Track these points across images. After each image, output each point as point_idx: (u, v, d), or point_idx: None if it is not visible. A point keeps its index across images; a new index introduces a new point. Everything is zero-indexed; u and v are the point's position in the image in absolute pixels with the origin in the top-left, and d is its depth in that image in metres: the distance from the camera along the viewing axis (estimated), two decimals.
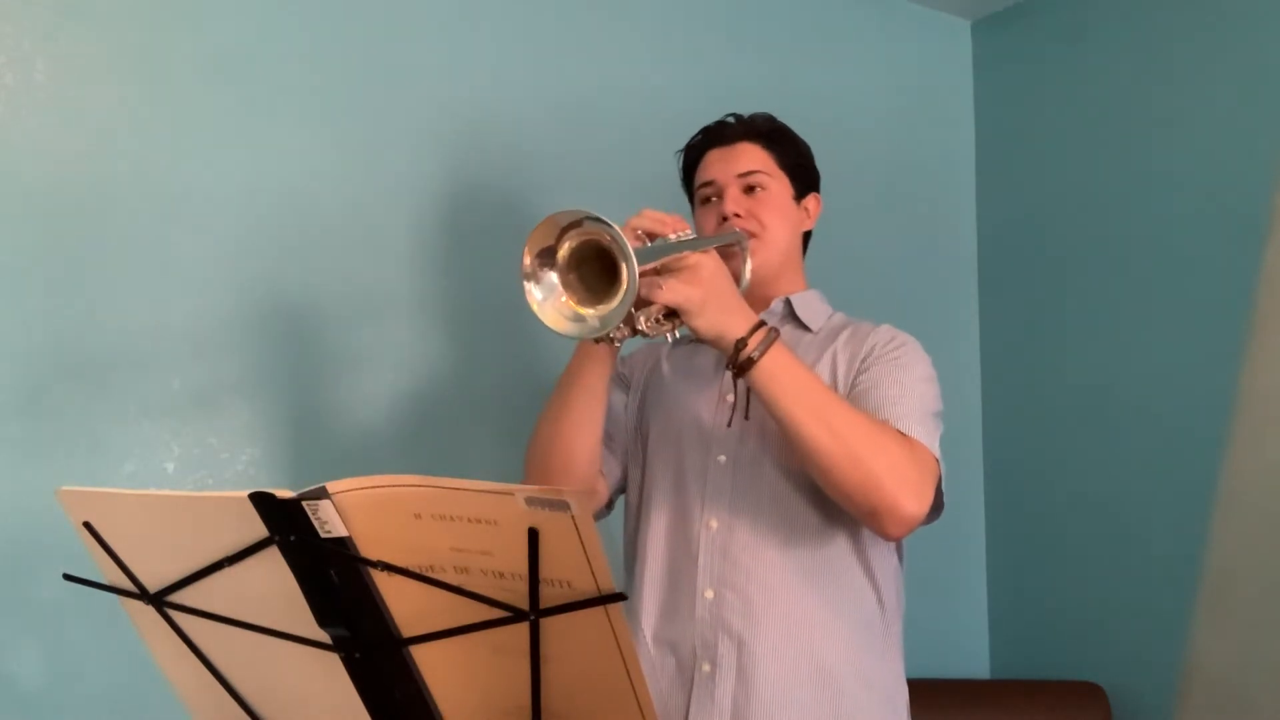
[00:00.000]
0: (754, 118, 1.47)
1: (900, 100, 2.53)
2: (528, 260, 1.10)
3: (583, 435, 1.31)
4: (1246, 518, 0.49)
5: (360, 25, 1.82)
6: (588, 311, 1.10)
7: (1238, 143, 2.08)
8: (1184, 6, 2.21)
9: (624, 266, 1.05)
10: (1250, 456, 0.49)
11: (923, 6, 2.58)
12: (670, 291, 1.14)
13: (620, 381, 1.50)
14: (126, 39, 1.62)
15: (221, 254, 1.67)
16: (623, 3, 2.12)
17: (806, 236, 1.51)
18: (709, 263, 1.19)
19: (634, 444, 1.46)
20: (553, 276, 1.11)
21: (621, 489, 1.47)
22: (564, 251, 1.10)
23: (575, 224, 1.08)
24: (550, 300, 1.11)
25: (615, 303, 1.07)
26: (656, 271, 1.17)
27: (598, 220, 1.06)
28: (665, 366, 1.49)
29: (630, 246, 1.04)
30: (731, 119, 1.47)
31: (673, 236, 1.21)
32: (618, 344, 1.24)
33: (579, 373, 1.30)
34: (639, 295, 1.15)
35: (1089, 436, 2.34)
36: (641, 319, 1.17)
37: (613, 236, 1.05)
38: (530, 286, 1.10)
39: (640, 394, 1.48)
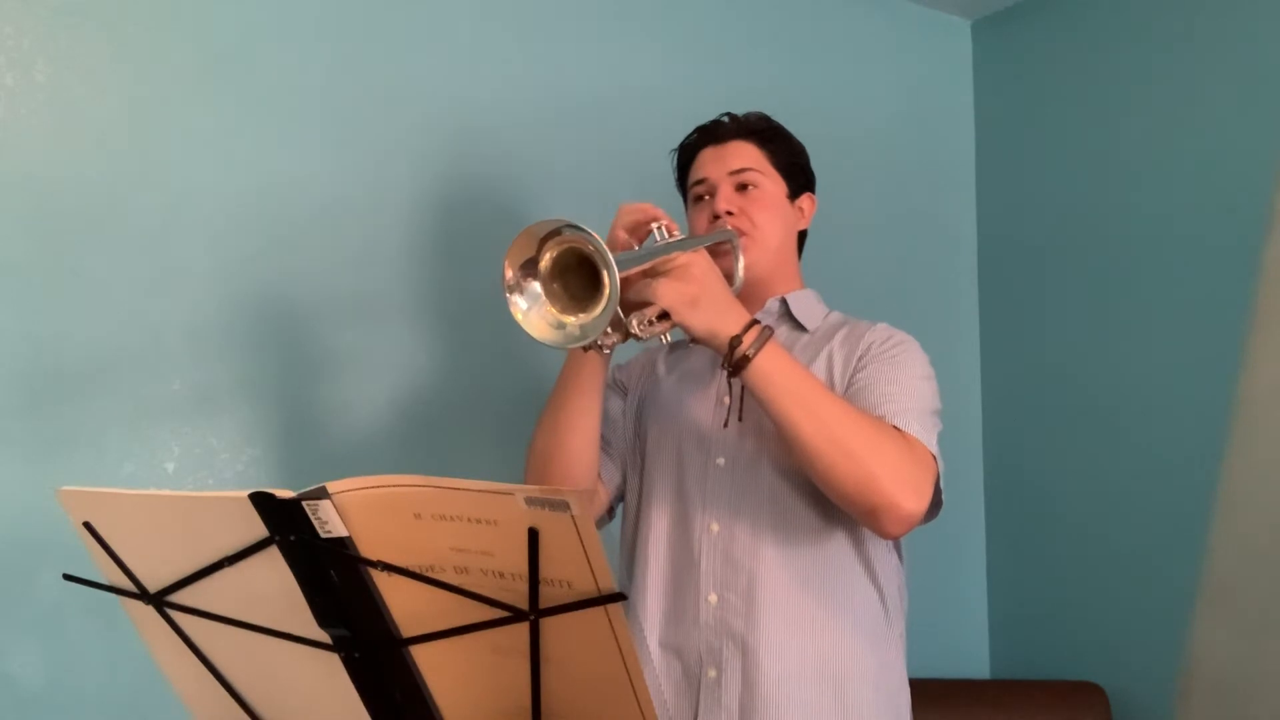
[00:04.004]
0: (748, 116, 1.47)
1: (900, 100, 2.53)
2: (510, 273, 1.10)
3: (579, 440, 1.31)
4: (1246, 518, 0.49)
5: (359, 27, 1.82)
6: (569, 319, 1.10)
7: (1238, 143, 2.08)
8: (1184, 6, 2.21)
9: (605, 274, 1.04)
10: (1250, 456, 0.49)
11: (923, 6, 2.59)
12: (661, 292, 1.14)
13: (618, 388, 1.50)
14: (127, 39, 1.62)
15: (222, 254, 1.67)
16: (621, 3, 2.12)
17: (802, 237, 1.51)
18: (699, 261, 1.19)
19: (632, 450, 1.45)
20: (536, 286, 1.10)
21: (622, 495, 1.47)
22: (546, 261, 1.10)
23: (554, 233, 1.07)
24: (535, 309, 1.10)
25: (598, 311, 1.06)
26: (646, 274, 1.16)
27: (577, 228, 1.05)
28: (661, 369, 1.49)
29: (610, 253, 1.03)
30: (725, 118, 1.47)
31: (658, 237, 1.20)
32: (607, 350, 1.24)
33: (572, 378, 1.30)
34: (630, 298, 1.15)
35: (1089, 436, 2.34)
36: (634, 322, 1.16)
37: (594, 245, 1.04)
38: (515, 298, 1.10)
39: (638, 399, 1.48)
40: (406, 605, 0.86)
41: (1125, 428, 2.27)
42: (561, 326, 1.10)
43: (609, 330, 1.15)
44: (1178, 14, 2.22)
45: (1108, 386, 2.31)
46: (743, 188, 1.42)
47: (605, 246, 1.03)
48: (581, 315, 1.09)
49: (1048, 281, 2.46)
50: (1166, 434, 2.17)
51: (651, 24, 2.16)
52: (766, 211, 1.41)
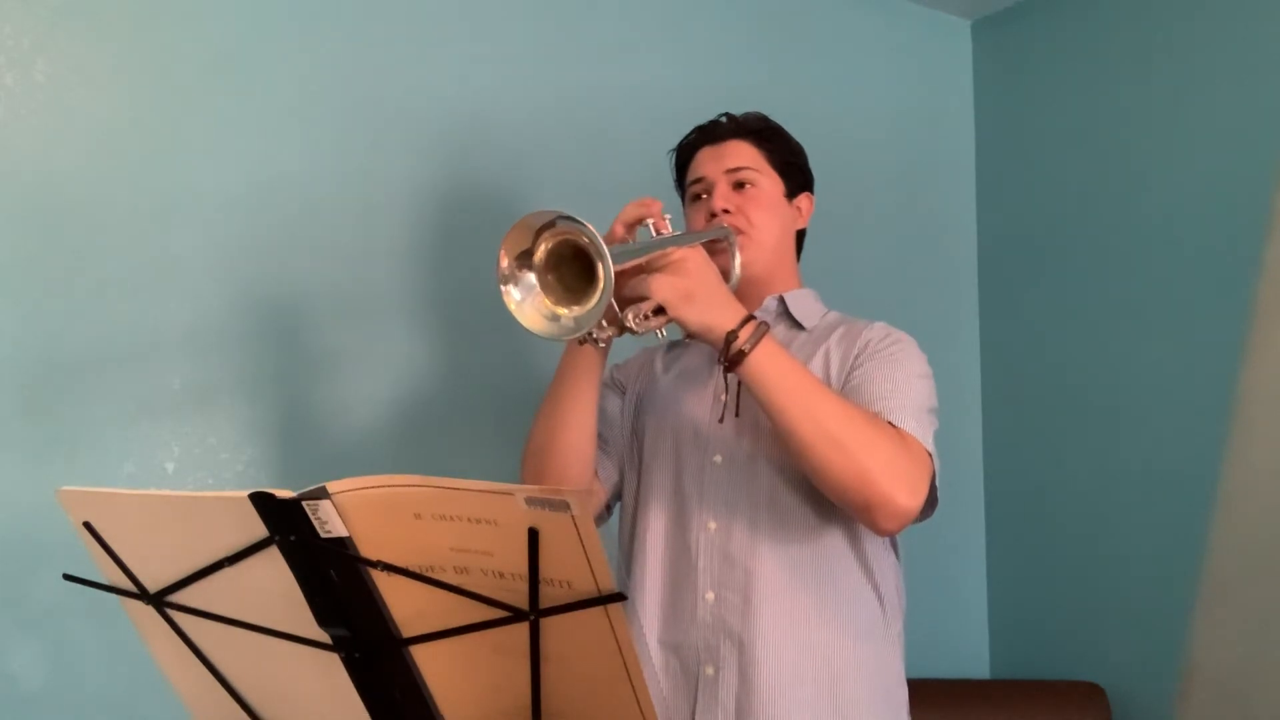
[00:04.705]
0: (746, 116, 1.47)
1: (900, 100, 2.53)
2: (505, 263, 1.10)
3: (575, 434, 1.31)
4: (1246, 517, 0.49)
5: (358, 26, 1.82)
6: (563, 311, 1.10)
7: (1238, 143, 2.08)
8: (1184, 6, 2.21)
9: (600, 266, 1.04)
10: (1250, 456, 0.49)
11: (923, 6, 2.59)
12: (656, 286, 1.14)
13: (615, 386, 1.50)
14: (126, 39, 1.62)
15: (221, 254, 1.67)
16: (621, 2, 2.12)
17: (800, 236, 1.51)
18: (695, 256, 1.19)
19: (629, 448, 1.45)
20: (530, 277, 1.10)
21: (619, 494, 1.46)
22: (541, 253, 1.10)
23: (549, 224, 1.07)
24: (529, 300, 1.10)
25: (592, 303, 1.06)
26: (642, 269, 1.16)
27: (571, 220, 1.05)
28: (659, 367, 1.49)
29: (605, 246, 1.03)
30: (724, 118, 1.47)
31: (653, 233, 1.21)
32: (603, 344, 1.24)
33: (568, 372, 1.30)
34: (626, 293, 1.15)
35: (1089, 436, 2.34)
36: (629, 316, 1.15)
37: (589, 237, 1.04)
38: (509, 289, 1.10)
39: (635, 397, 1.48)
40: (406, 605, 0.86)
41: (1125, 427, 2.27)
42: (555, 318, 1.10)
43: (604, 324, 1.15)
44: (1178, 14, 2.22)
45: (1108, 386, 2.31)
46: (739, 186, 1.42)
47: (600, 239, 1.03)
48: (575, 308, 1.09)
49: (1047, 281, 2.46)
50: (1166, 434, 2.17)
51: (651, 24, 2.16)
52: (763, 210, 1.41)
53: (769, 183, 1.43)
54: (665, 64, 2.15)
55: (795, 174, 1.47)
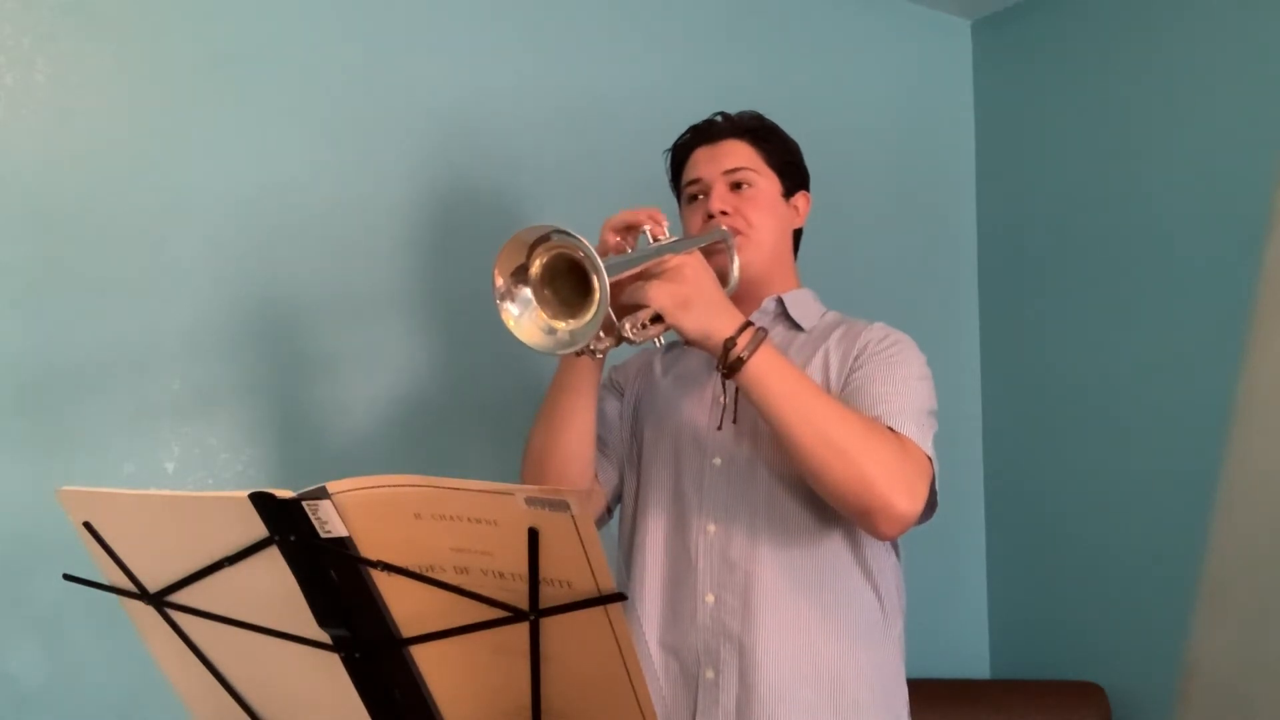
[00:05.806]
0: (741, 115, 1.46)
1: (900, 100, 2.53)
2: (500, 280, 1.10)
3: (574, 442, 1.31)
4: (1246, 517, 0.49)
5: (357, 27, 1.82)
6: (560, 325, 1.10)
7: (1238, 143, 2.08)
8: (1184, 7, 2.21)
9: (595, 279, 1.04)
10: (1250, 456, 0.49)
11: (923, 6, 2.59)
12: (653, 295, 1.14)
13: (614, 389, 1.50)
14: (127, 39, 1.62)
15: (221, 254, 1.67)
16: (621, 2, 2.12)
17: (797, 235, 1.51)
18: (692, 263, 1.19)
19: (629, 451, 1.45)
20: (527, 292, 1.10)
21: (619, 496, 1.46)
22: (536, 267, 1.10)
23: (543, 239, 1.07)
24: (526, 315, 1.10)
25: (588, 316, 1.06)
26: (639, 277, 1.16)
27: (565, 234, 1.05)
28: (657, 370, 1.48)
29: (599, 258, 1.03)
30: (719, 117, 1.46)
31: (650, 239, 1.20)
32: (600, 355, 1.24)
33: (565, 380, 1.30)
34: (623, 301, 1.15)
35: (1089, 436, 2.34)
36: (627, 325, 1.15)
37: (584, 251, 1.04)
38: (506, 305, 1.10)
39: (634, 400, 1.48)
40: (406, 605, 0.86)
41: (1125, 427, 2.27)
42: (553, 332, 1.10)
43: (601, 335, 1.15)
44: (1178, 14, 2.22)
45: (1108, 386, 2.31)
46: (737, 187, 1.41)
47: (594, 252, 1.03)
48: (572, 321, 1.09)
49: (1048, 281, 2.46)
50: (1166, 434, 2.17)
51: (649, 24, 2.16)
52: (761, 210, 1.41)
53: (766, 183, 1.43)
54: (664, 65, 2.15)
55: (792, 173, 1.46)
